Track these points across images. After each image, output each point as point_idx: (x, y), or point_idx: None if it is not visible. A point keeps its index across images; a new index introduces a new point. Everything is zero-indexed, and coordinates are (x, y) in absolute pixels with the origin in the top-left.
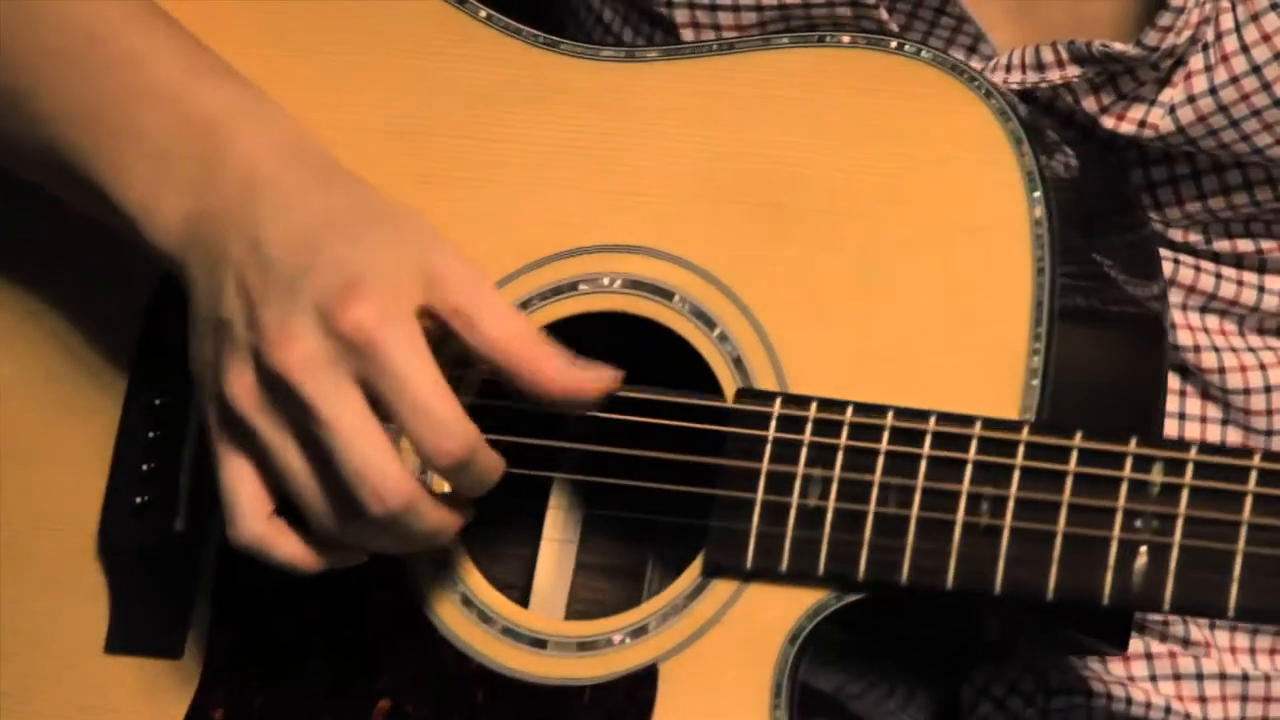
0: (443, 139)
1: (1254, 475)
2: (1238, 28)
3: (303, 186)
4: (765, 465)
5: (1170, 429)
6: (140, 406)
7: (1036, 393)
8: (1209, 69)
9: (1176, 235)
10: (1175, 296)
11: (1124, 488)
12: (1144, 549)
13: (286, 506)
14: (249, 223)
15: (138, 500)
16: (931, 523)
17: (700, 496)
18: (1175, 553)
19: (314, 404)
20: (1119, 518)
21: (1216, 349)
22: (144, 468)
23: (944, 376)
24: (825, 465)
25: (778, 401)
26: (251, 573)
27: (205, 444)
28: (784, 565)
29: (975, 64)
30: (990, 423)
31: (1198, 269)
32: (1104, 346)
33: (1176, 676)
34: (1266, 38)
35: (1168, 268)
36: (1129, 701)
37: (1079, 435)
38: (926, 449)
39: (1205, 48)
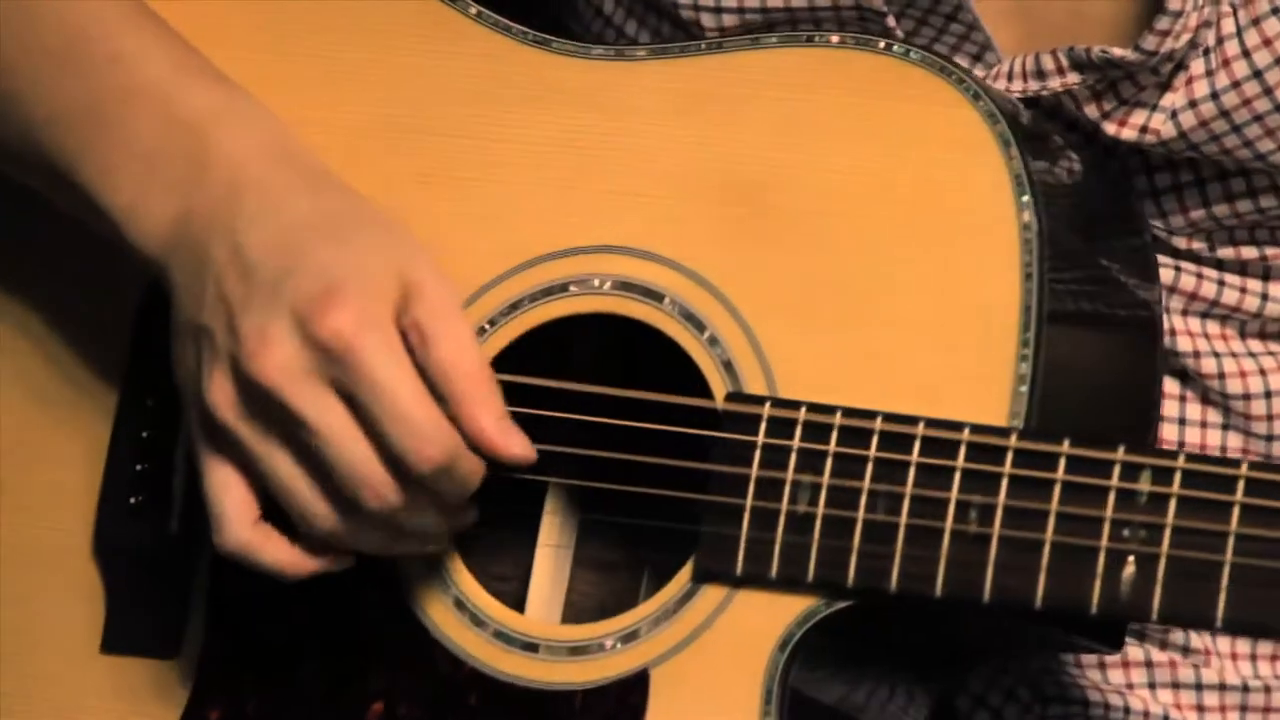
0: (435, 138)
1: (1241, 485)
2: (1239, 32)
3: (288, 189)
4: (755, 471)
5: (1170, 434)
6: (133, 407)
7: (1025, 399)
8: (1210, 74)
9: (1180, 242)
10: (1176, 303)
11: (1112, 496)
12: (1132, 558)
13: (272, 512)
14: (231, 226)
15: (132, 501)
16: (920, 530)
17: (692, 501)
18: (1163, 563)
19: (301, 412)
20: (1106, 527)
21: (1217, 354)
22: (138, 468)
23: (932, 382)
24: (814, 471)
25: (767, 406)
26: (246, 575)
27: (192, 449)
28: (774, 571)
29: (979, 72)
30: (978, 429)
31: (1200, 276)
32: (1096, 352)
33: (1175, 685)
34: (1268, 42)
35: (1169, 275)
36: (1127, 710)
37: (1066, 442)
38: (915, 455)
39: (1206, 52)
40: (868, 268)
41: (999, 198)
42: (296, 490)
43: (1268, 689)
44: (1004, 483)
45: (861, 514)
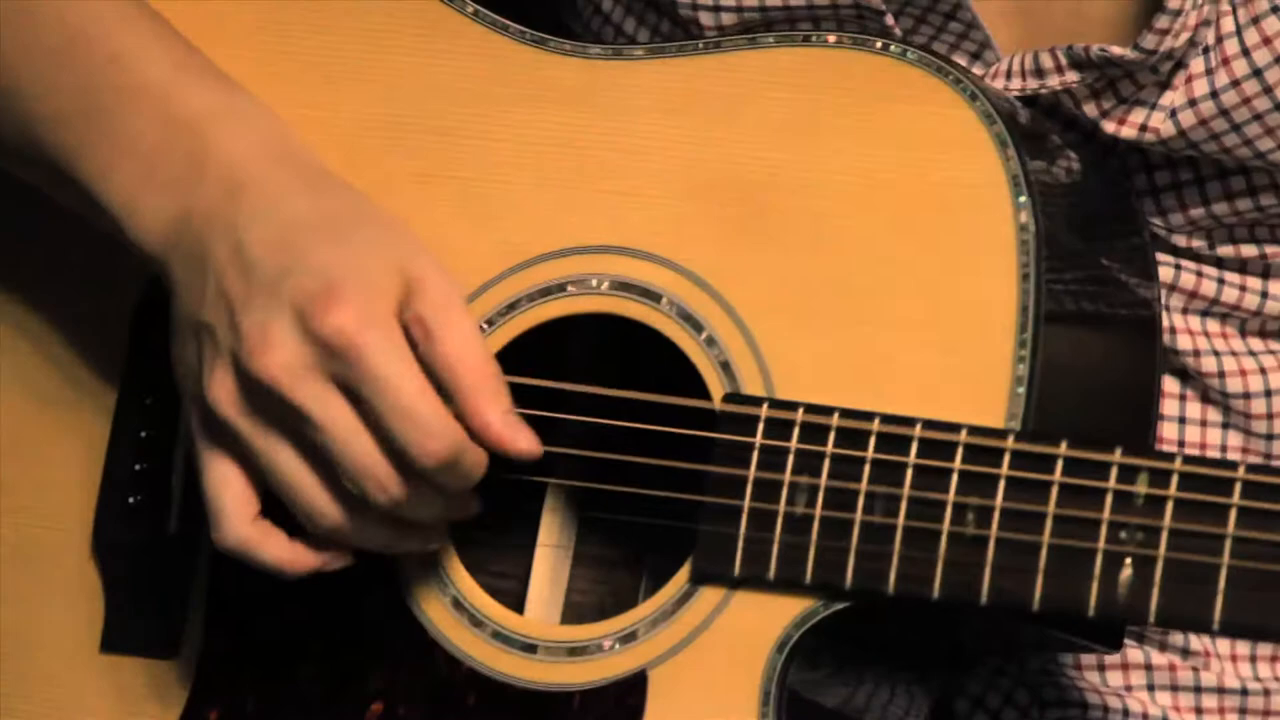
0: (433, 137)
1: (1238, 488)
2: (1239, 31)
3: (288, 188)
4: (752, 472)
5: (1170, 432)
6: (132, 406)
7: (1022, 400)
8: (1210, 72)
9: (1180, 240)
10: (1176, 301)
11: (1109, 498)
12: (1129, 561)
13: (270, 509)
14: (232, 224)
15: (131, 500)
16: (918, 532)
17: (690, 502)
18: (1160, 565)
19: (306, 408)
20: (1104, 529)
21: (1217, 353)
22: (136, 468)
23: (930, 383)
24: (812, 473)
25: (764, 407)
26: (245, 574)
27: (191, 446)
28: (771, 573)
29: (978, 71)
30: (975, 430)
31: (1199, 274)
32: (1094, 352)
33: (1174, 688)
34: (1268, 41)
35: (1169, 273)
36: (1126, 713)
37: (1064, 444)
38: (912, 457)
39: (1206, 51)
40: (865, 269)
41: (996, 198)
42: (301, 486)
43: (1267, 692)
44: (1001, 484)
45: (859, 516)
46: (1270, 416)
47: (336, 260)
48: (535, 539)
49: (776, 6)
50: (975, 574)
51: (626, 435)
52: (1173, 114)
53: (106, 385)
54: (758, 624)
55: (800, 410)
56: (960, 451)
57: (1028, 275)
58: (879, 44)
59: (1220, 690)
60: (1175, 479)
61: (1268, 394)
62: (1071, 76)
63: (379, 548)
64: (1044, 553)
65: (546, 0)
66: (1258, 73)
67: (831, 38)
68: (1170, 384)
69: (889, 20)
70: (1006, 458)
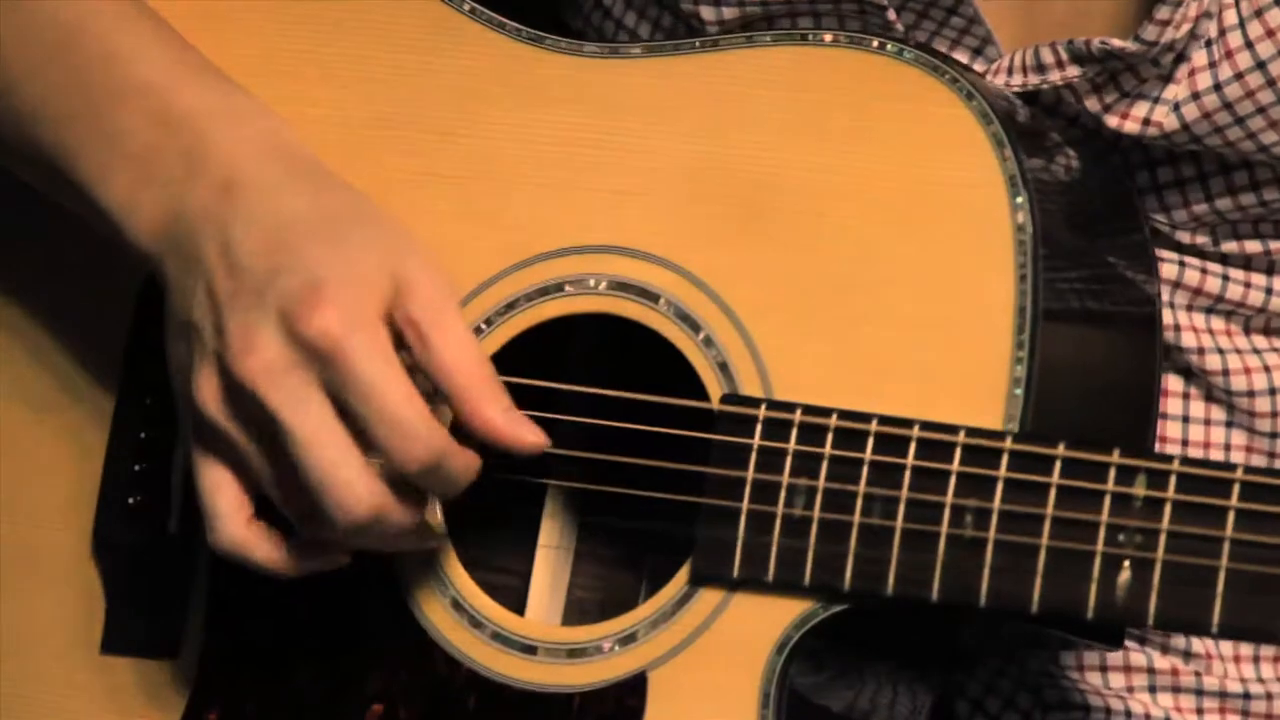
0: (431, 136)
1: (1237, 489)
2: (1241, 23)
3: (284, 187)
4: (750, 473)
5: (1174, 431)
6: (131, 406)
7: (1020, 402)
8: (1213, 65)
9: (1184, 237)
10: (1180, 298)
11: (1107, 500)
12: (1127, 563)
13: (266, 510)
14: (223, 224)
15: (131, 501)
16: (916, 534)
17: (691, 503)
18: (1158, 568)
19: (277, 412)
20: (1102, 531)
21: (1221, 351)
22: (136, 468)
23: (927, 384)
24: (810, 474)
25: (763, 408)
26: (245, 575)
27: (186, 447)
28: (770, 575)
29: (979, 66)
30: (973, 432)
31: (1204, 271)
32: (1094, 352)
33: (1176, 690)
34: (1271, 33)
35: (1173, 270)
36: (1128, 714)
37: (1062, 445)
38: (910, 459)
39: (1209, 44)
40: (863, 269)
41: (993, 199)
42: (277, 490)
43: (1269, 696)
44: (999, 486)
45: (857, 518)
46: (1274, 415)
47: (326, 260)
48: (536, 536)
49: (778, 1)
50: (974, 576)
51: (624, 436)
52: (1176, 107)
53: (106, 386)
54: (757, 625)
55: (798, 411)
56: (958, 453)
57: (1025, 276)
58: (875, 43)
59: (1222, 694)
60: (1173, 480)
61: (1272, 392)
62: (1073, 71)
63: (368, 549)
64: (1042, 555)
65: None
66: (1261, 65)
67: (828, 36)
68: (1174, 382)
69: (891, 15)
70: (1004, 459)
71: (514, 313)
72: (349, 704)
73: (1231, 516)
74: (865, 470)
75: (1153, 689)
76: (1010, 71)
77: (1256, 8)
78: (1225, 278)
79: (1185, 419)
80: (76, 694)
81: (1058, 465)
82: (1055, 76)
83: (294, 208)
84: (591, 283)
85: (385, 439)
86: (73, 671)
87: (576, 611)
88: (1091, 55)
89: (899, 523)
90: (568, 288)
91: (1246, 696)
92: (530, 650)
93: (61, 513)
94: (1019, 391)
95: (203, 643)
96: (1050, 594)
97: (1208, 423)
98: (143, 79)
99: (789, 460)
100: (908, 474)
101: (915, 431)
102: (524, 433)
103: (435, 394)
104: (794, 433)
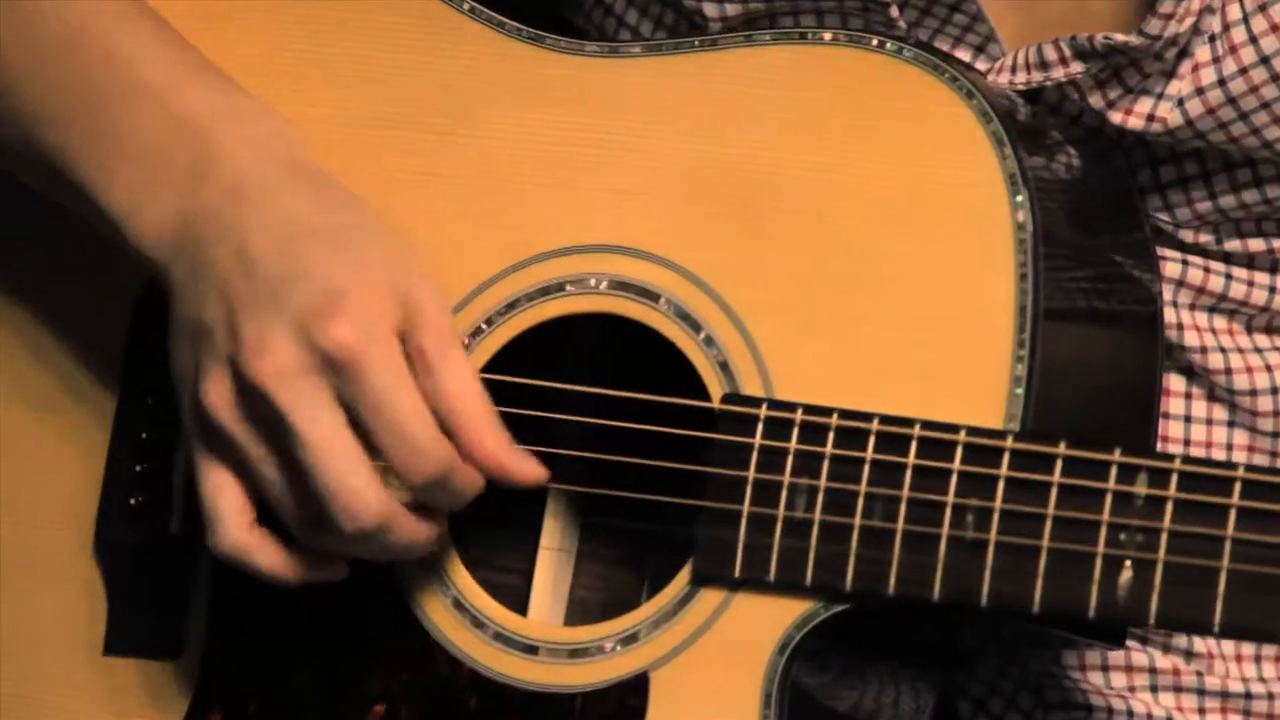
0: (431, 136)
1: (1238, 488)
2: (1245, 19)
3: (291, 192)
4: (751, 473)
5: (1176, 431)
6: (133, 406)
7: (1021, 401)
8: (1217, 61)
9: (1187, 236)
10: (1184, 297)
11: (1108, 500)
12: (1128, 563)
13: (269, 515)
14: (235, 228)
15: (132, 502)
16: (917, 535)
17: (690, 505)
18: (1160, 568)
19: (289, 416)
20: (1103, 531)
21: (1223, 350)
22: (138, 469)
23: (928, 383)
24: (811, 474)
25: (764, 407)
26: (247, 576)
27: (189, 450)
28: (772, 575)
29: (981, 64)
30: (974, 431)
31: (1207, 270)
32: (1095, 350)
33: (1178, 689)
34: (1275, 27)
35: (1176, 269)
36: (1130, 714)
37: (1063, 444)
38: (911, 458)
39: (1212, 39)
40: (863, 268)
41: (993, 197)
42: (281, 497)
43: (1271, 695)
44: (1000, 485)
45: (859, 518)
46: (1276, 414)
47: (339, 270)
48: (538, 534)
49: None
50: (975, 577)
51: (625, 436)
52: (1180, 103)
53: (107, 386)
54: (759, 625)
55: (799, 411)
56: (959, 452)
57: (1025, 274)
58: (875, 41)
59: (1224, 694)
60: (1175, 479)
61: (1274, 391)
62: (1076, 67)
63: (367, 557)
64: (1043, 555)
65: None
66: (1265, 60)
67: (828, 35)
68: (1176, 382)
69: (894, 12)
70: (1005, 458)
71: (515, 312)
72: (351, 704)
73: (1233, 516)
74: (866, 470)
75: (1154, 689)
76: (1014, 69)
77: (1260, 3)
78: (1228, 276)
79: (1187, 419)
80: (78, 694)
81: (1059, 464)
82: (1059, 73)
83: (302, 211)
84: (592, 282)
85: (394, 451)
86: (74, 672)
87: (578, 612)
88: (1095, 51)
89: (900, 523)
90: (568, 287)
91: (1248, 696)
92: (532, 650)
93: (63, 513)
94: (1020, 390)
95: (205, 643)
96: (1052, 594)
97: (1209, 422)
98: (145, 80)
99: (790, 460)
100: (909, 473)
101: (916, 431)
102: (525, 466)
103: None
104: (795, 432)
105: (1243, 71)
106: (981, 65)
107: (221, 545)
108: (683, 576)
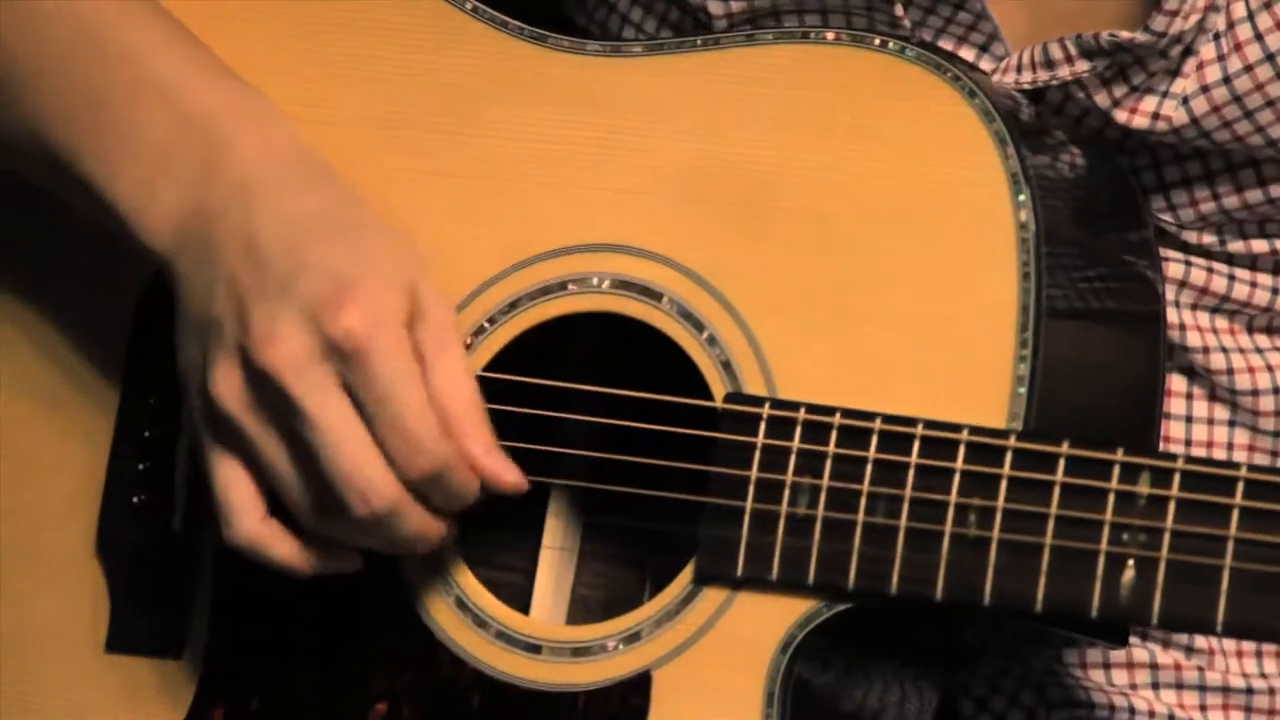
0: (434, 135)
1: (1241, 488)
2: (1250, 16)
3: (300, 188)
4: (754, 472)
5: (1177, 431)
6: (135, 405)
7: (1024, 400)
8: (1222, 58)
9: (1190, 237)
10: (1186, 298)
11: (1111, 499)
12: (1131, 563)
13: (281, 507)
14: (244, 222)
15: (135, 500)
16: (920, 533)
17: (694, 502)
18: (1162, 567)
19: (301, 403)
20: (1106, 530)
21: (1225, 350)
22: (140, 467)
23: (931, 383)
24: (814, 473)
25: (766, 406)
26: (250, 573)
27: (196, 446)
28: (774, 574)
29: (985, 64)
30: (977, 430)
31: (1210, 271)
32: (1097, 350)
33: (1179, 686)
34: None
35: (1179, 270)
36: (1132, 711)
37: (1065, 444)
38: (914, 457)
39: (1217, 37)
40: (865, 268)
41: (995, 196)
42: (292, 485)
43: (1272, 691)
44: (1003, 484)
45: (861, 517)
46: (1278, 414)
47: (349, 260)
48: (540, 533)
49: None
50: (978, 575)
51: (628, 435)
52: (1185, 101)
53: (109, 385)
54: (761, 624)
55: (802, 410)
56: (962, 451)
57: (1028, 274)
58: (877, 41)
59: (1225, 690)
60: (1177, 479)
61: (1275, 391)
62: (1082, 66)
63: (376, 549)
64: (1046, 554)
65: None
66: (1271, 58)
67: (830, 34)
68: (1177, 382)
69: (898, 10)
70: (1008, 457)
71: (517, 311)
72: (353, 703)
73: (1236, 515)
74: (869, 469)
75: (1156, 685)
76: (1019, 69)
77: (1265, 0)
78: (1231, 278)
79: (1188, 419)
80: (81, 692)
81: (1061, 464)
82: (1064, 72)
83: (311, 207)
84: (594, 281)
85: (394, 443)
86: (76, 670)
87: (580, 611)
88: (1100, 49)
89: (903, 522)
90: (570, 286)
91: (1249, 692)
92: (535, 649)
93: (66, 511)
94: (1022, 390)
95: (207, 641)
96: (1054, 593)
97: (1211, 422)
98: (157, 77)
99: (793, 459)
100: (911, 472)
101: (919, 430)
102: (505, 471)
103: None
104: (798, 431)
105: (1248, 69)
106: (986, 65)
107: (236, 537)
108: (685, 575)
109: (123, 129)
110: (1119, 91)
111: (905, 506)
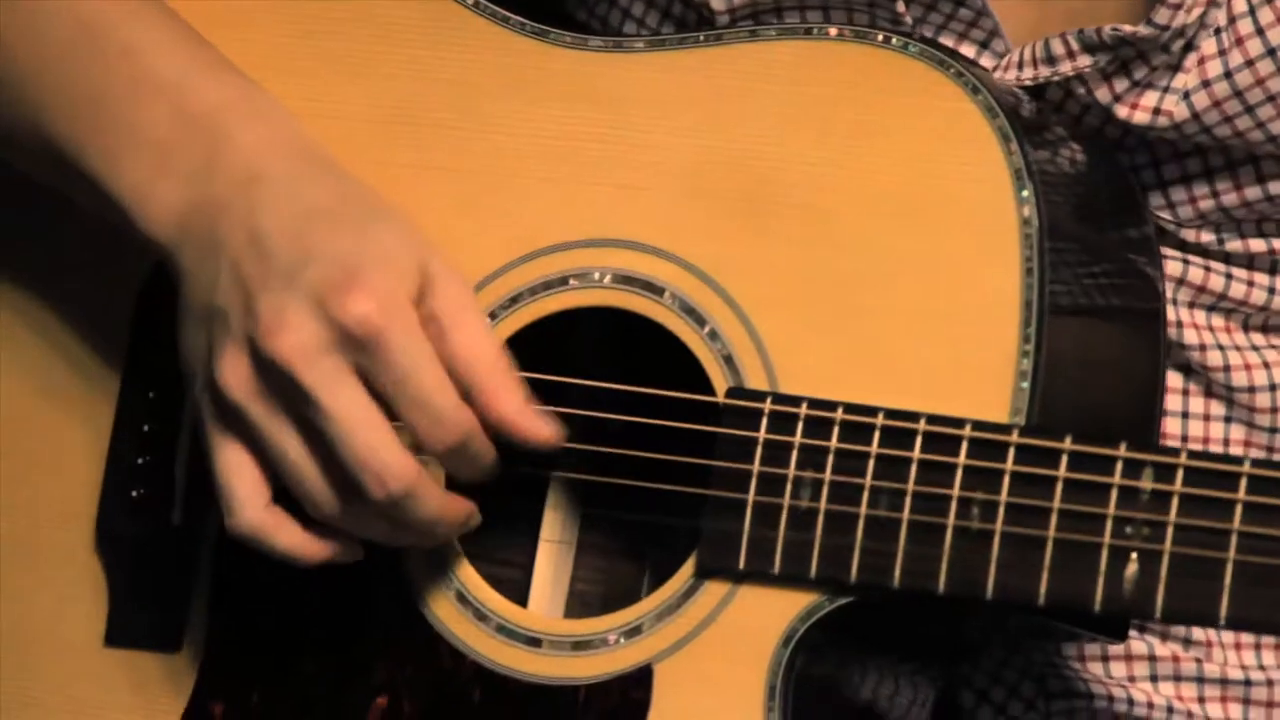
0: (435, 130)
1: (1244, 482)
2: (1252, 11)
3: (302, 180)
4: (756, 466)
5: (1174, 428)
6: (134, 400)
7: (1026, 395)
8: (1223, 53)
9: (1189, 235)
10: (1183, 296)
11: (1114, 493)
12: (1134, 556)
13: (283, 496)
14: (248, 215)
15: (134, 494)
16: (922, 526)
17: (695, 496)
18: (1165, 560)
19: (314, 392)
20: (1109, 524)
21: (1221, 347)
22: (139, 461)
23: (934, 377)
24: (816, 467)
25: (768, 401)
26: (249, 567)
27: (199, 436)
28: (776, 568)
29: (987, 61)
30: (980, 425)
31: (1208, 269)
32: (1099, 346)
33: (1177, 678)
34: None
35: (1177, 268)
36: (1130, 702)
37: (1068, 439)
38: (917, 452)
39: (1218, 32)
40: (868, 263)
41: (998, 192)
42: (303, 472)
43: (1270, 682)
44: (1006, 479)
45: (864, 510)
46: (1274, 410)
47: (355, 248)
48: (538, 527)
49: None
50: (980, 569)
51: (629, 430)
52: (1186, 96)
53: (108, 379)
54: (763, 618)
55: (804, 405)
56: (964, 446)
57: (1031, 269)
58: (880, 37)
59: (1223, 681)
60: (1180, 474)
61: (1272, 388)
62: (1084, 60)
63: (381, 540)
64: (1049, 548)
65: None
66: (1272, 52)
67: (833, 30)
68: (1174, 379)
69: (900, 7)
70: (1011, 452)
71: (518, 306)
72: (354, 696)
73: (1238, 510)
74: (871, 464)
75: (1154, 677)
76: (1020, 65)
77: None
78: (1228, 276)
79: (1184, 415)
80: (81, 686)
81: (1064, 459)
82: (1066, 67)
83: (314, 198)
84: (596, 276)
85: (417, 422)
86: (76, 665)
87: (578, 604)
88: (1103, 43)
89: (905, 515)
90: (572, 281)
91: (1248, 683)
92: (535, 643)
93: (65, 505)
94: (1025, 385)
95: (207, 634)
96: (1057, 587)
97: (1207, 418)
98: (160, 73)
99: (795, 454)
100: (914, 467)
101: (921, 425)
102: (540, 426)
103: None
104: (800, 426)
105: (1249, 64)
106: (986, 61)
107: (239, 525)
108: (687, 569)
109: (125, 125)
110: (1120, 86)
111: (908, 500)
